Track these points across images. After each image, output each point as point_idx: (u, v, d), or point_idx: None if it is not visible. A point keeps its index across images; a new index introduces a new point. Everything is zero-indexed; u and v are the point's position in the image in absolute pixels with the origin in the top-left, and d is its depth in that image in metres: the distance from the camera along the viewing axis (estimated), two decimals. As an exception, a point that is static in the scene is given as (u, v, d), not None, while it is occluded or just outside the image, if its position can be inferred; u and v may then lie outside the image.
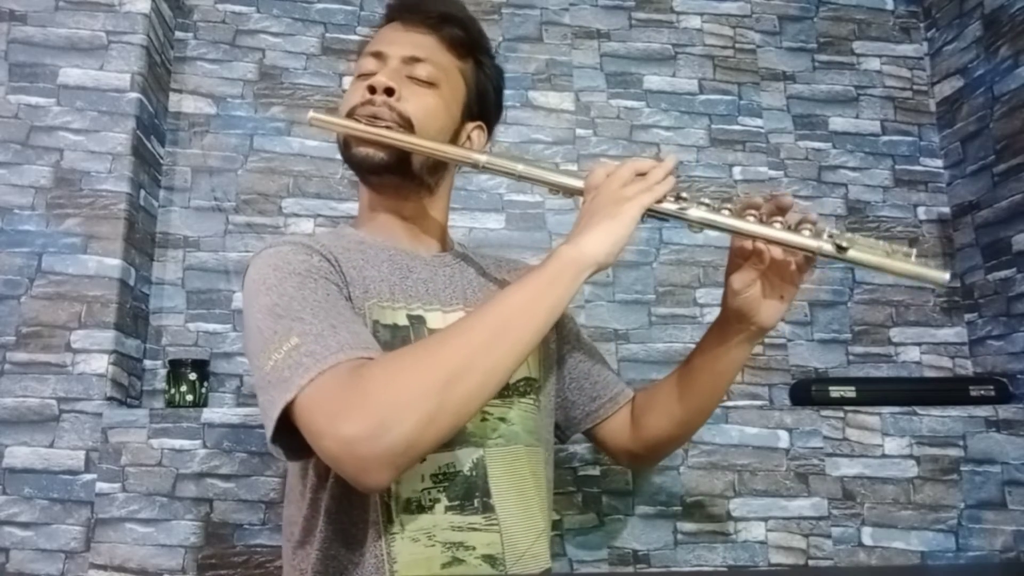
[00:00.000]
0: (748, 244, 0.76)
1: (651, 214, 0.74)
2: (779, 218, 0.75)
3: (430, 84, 0.85)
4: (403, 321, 0.80)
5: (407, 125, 0.82)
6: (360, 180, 0.90)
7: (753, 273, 0.78)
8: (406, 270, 0.85)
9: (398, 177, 0.85)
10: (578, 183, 0.78)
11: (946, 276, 0.73)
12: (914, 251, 0.73)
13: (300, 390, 0.63)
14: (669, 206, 0.74)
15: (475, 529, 0.76)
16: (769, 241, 0.74)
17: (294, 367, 0.64)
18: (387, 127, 0.81)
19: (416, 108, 0.83)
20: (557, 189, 0.80)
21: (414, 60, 0.85)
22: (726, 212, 0.75)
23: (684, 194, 0.76)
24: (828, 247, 0.72)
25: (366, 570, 0.74)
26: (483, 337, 0.65)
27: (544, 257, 0.72)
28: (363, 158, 0.83)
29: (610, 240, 0.71)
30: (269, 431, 0.66)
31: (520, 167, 0.80)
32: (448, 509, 0.76)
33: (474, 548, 0.76)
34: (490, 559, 0.77)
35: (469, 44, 0.90)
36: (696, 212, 0.74)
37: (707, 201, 0.75)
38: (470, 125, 0.91)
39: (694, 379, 0.88)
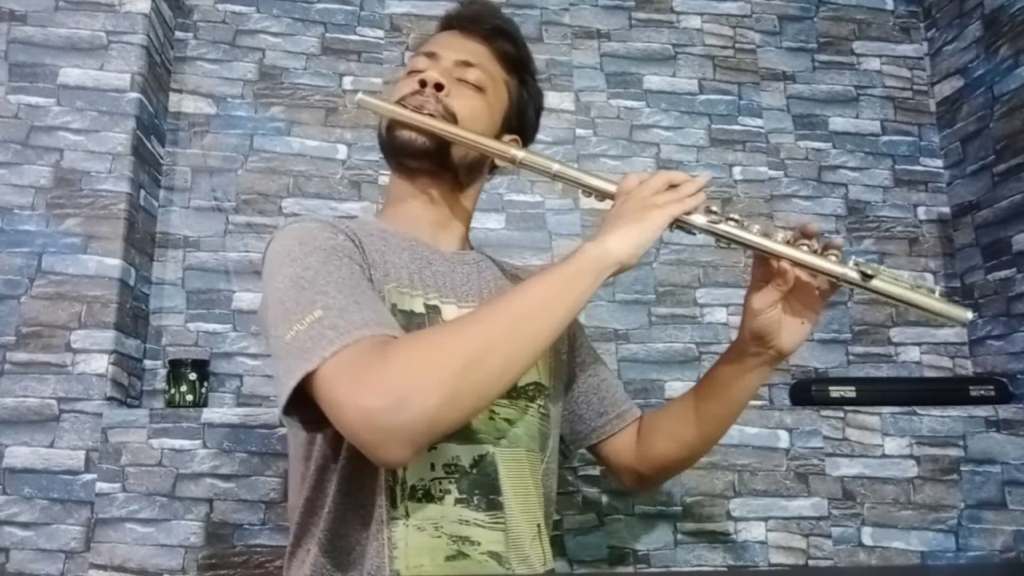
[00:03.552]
0: (773, 264, 0.77)
1: (679, 225, 0.76)
2: (806, 242, 0.76)
3: (478, 88, 0.88)
4: (420, 308, 0.81)
5: (451, 119, 0.85)
6: (395, 167, 0.91)
7: (775, 294, 0.78)
8: (425, 261, 0.85)
9: (435, 165, 0.86)
10: (611, 187, 0.80)
11: (969, 315, 0.74)
12: (938, 288, 0.74)
13: (323, 361, 0.63)
14: (698, 219, 0.75)
15: (481, 525, 0.77)
16: (795, 263, 0.75)
17: (317, 339, 0.64)
18: (431, 115, 0.84)
19: (462, 107, 0.86)
20: (589, 191, 0.82)
21: (466, 64, 0.88)
22: (755, 230, 0.76)
23: (714, 208, 0.77)
24: (853, 274, 0.73)
25: (368, 553, 0.74)
26: (504, 325, 0.66)
27: (567, 252, 0.72)
28: (406, 141, 0.85)
29: (634, 242, 0.72)
30: (283, 399, 0.66)
31: (555, 167, 0.82)
32: (458, 502, 0.76)
33: (479, 544, 0.76)
34: (495, 556, 0.77)
35: (518, 61, 0.94)
36: (725, 227, 0.75)
37: (736, 217, 0.76)
38: (507, 137, 0.93)
39: (706, 403, 0.87)
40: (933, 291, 0.74)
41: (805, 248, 0.75)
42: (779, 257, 0.75)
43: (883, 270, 0.73)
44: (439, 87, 0.85)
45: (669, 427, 0.91)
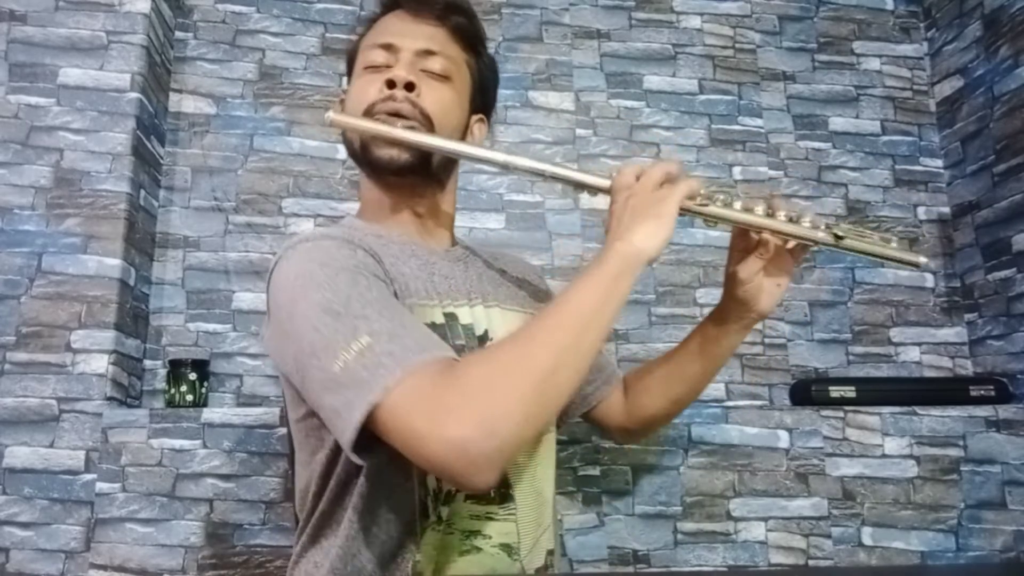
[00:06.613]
0: (754, 236, 0.83)
1: (680, 212, 0.78)
2: (780, 212, 0.81)
3: (444, 78, 0.84)
4: (439, 319, 0.80)
5: (427, 121, 0.82)
6: (375, 180, 0.87)
7: (758, 263, 0.84)
8: (430, 266, 0.84)
9: (419, 177, 0.84)
10: (604, 183, 0.80)
11: (922, 259, 0.84)
12: (894, 239, 0.84)
13: (387, 392, 0.60)
14: (692, 204, 0.79)
15: (492, 518, 0.78)
16: (775, 232, 0.81)
17: (373, 368, 0.62)
18: (410, 126, 0.80)
19: (434, 103, 0.82)
20: (582, 187, 0.82)
21: (428, 53, 0.84)
22: (738, 207, 0.81)
23: (703, 193, 0.81)
24: (828, 238, 0.81)
25: (396, 560, 0.74)
26: (569, 338, 0.66)
27: (599, 254, 0.73)
28: (388, 160, 0.81)
29: (660, 236, 0.74)
30: (349, 434, 0.62)
31: (547, 167, 0.81)
32: (468, 498, 0.77)
33: (491, 536, 0.78)
34: (506, 547, 0.78)
35: (474, 35, 0.90)
36: (714, 209, 0.80)
37: (721, 198, 0.81)
38: (473, 118, 0.91)
39: (690, 363, 0.93)
40: (889, 241, 0.84)
41: (783, 216, 0.81)
42: (761, 229, 0.81)
43: (850, 230, 0.82)
44: (410, 87, 0.81)
45: (655, 387, 0.97)
